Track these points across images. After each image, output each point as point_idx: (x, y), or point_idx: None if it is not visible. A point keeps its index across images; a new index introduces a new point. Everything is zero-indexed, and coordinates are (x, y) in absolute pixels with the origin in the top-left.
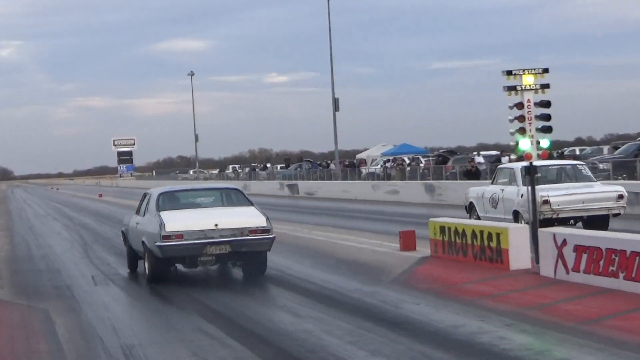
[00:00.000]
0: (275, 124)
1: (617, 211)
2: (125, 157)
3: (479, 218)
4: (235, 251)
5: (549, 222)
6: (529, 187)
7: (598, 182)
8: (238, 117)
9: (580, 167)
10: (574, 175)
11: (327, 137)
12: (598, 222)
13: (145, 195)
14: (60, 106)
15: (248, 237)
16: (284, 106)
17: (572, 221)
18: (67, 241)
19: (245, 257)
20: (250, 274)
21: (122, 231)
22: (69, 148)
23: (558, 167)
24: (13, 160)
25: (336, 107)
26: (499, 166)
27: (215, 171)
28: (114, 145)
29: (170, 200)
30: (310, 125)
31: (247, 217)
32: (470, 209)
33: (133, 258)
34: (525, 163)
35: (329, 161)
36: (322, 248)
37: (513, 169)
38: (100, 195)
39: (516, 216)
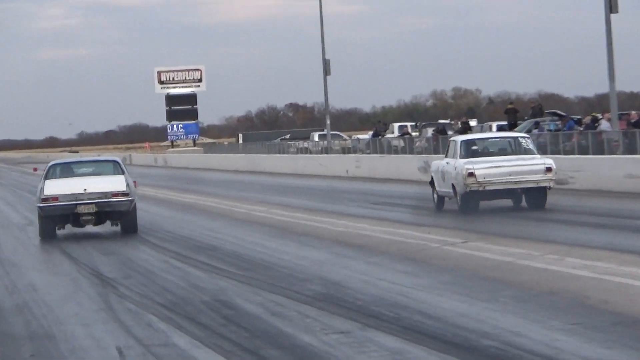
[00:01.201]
0: None
1: (545, 184)
2: (181, 109)
3: (437, 193)
4: (101, 210)
5: (478, 196)
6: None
7: (537, 156)
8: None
9: (521, 139)
10: (514, 148)
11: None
12: (535, 197)
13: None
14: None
15: (111, 200)
16: None
17: (507, 196)
18: (67, 277)
19: (116, 217)
20: (125, 232)
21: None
22: (65, 91)
23: (498, 139)
24: None
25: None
26: (450, 139)
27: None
28: (160, 82)
29: (57, 170)
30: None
31: (112, 184)
32: (432, 184)
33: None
34: (464, 137)
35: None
36: None
37: (455, 141)
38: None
39: (455, 190)
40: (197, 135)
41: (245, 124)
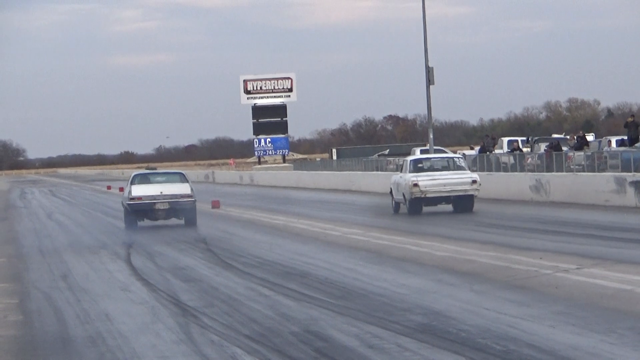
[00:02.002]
0: None
1: (472, 193)
2: (269, 121)
3: (395, 201)
4: (172, 207)
5: (421, 201)
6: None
7: (467, 172)
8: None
9: (456, 159)
10: (450, 166)
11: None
12: (464, 203)
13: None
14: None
15: (179, 200)
16: None
17: (444, 202)
18: (144, 306)
19: (180, 213)
20: (188, 224)
21: (121, 202)
22: (141, 101)
23: (438, 158)
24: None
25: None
26: (403, 158)
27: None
28: (246, 92)
29: (140, 179)
30: None
31: (180, 189)
32: (391, 193)
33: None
34: (413, 156)
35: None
36: None
37: (406, 160)
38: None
39: (404, 197)
40: (286, 150)
41: (340, 138)
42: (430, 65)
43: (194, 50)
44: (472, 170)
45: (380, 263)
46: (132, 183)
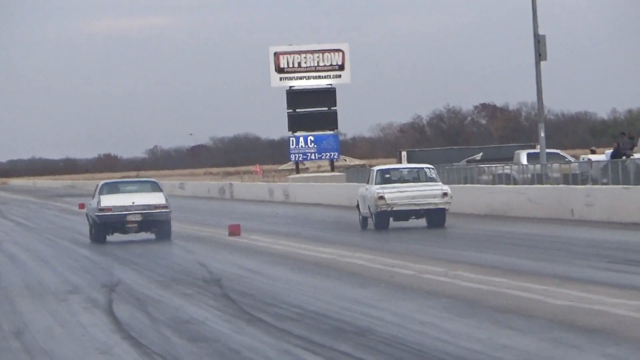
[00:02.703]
0: None
1: (442, 206)
2: (312, 112)
3: (361, 215)
4: (145, 219)
5: (388, 215)
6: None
7: (439, 183)
8: None
9: (427, 169)
10: (420, 177)
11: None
12: (435, 218)
13: (96, 185)
14: None
15: (153, 211)
16: None
17: (413, 216)
18: None
19: (155, 226)
20: (161, 238)
21: (86, 213)
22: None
23: (407, 169)
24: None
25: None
26: (371, 168)
27: None
28: (279, 69)
29: (109, 188)
30: None
31: (154, 198)
32: (357, 207)
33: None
34: (380, 167)
35: None
36: None
37: (372, 170)
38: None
39: (370, 210)
40: (336, 153)
41: (412, 137)
42: (540, 32)
43: (204, 10)
44: (602, 183)
45: (471, 315)
46: (100, 193)
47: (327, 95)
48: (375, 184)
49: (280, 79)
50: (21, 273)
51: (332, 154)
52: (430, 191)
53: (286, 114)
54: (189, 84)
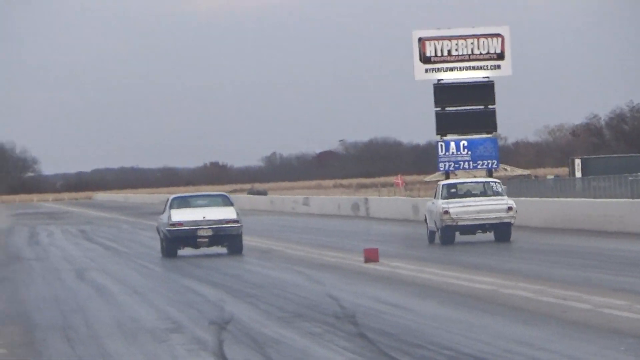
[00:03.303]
0: None
1: (507, 220)
2: (465, 111)
3: (429, 229)
4: (216, 234)
5: (453, 229)
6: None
7: (504, 197)
8: None
9: (492, 184)
10: (486, 191)
11: None
12: (501, 232)
13: (167, 200)
14: None
15: (224, 225)
16: None
17: (479, 231)
18: None
19: (226, 240)
20: (232, 253)
21: (156, 227)
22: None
23: (473, 183)
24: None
25: None
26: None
27: None
28: (424, 59)
29: (180, 202)
30: None
31: (225, 213)
32: (425, 222)
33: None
34: (446, 181)
35: None
36: None
37: (439, 184)
38: None
39: (436, 225)
40: (495, 161)
41: (587, 142)
42: None
43: None
44: None
45: None
46: (171, 207)
47: (484, 91)
48: (441, 199)
49: (426, 70)
50: (111, 308)
51: (490, 162)
52: (495, 205)
53: (433, 114)
54: (311, 78)
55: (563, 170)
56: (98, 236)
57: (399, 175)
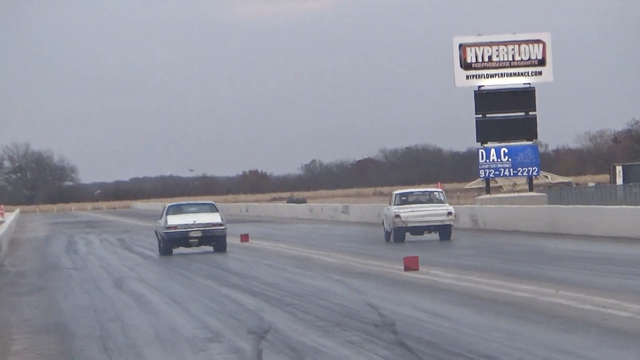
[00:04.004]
0: None
1: (448, 222)
2: (506, 117)
3: (385, 230)
4: (204, 235)
5: (404, 230)
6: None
7: (446, 204)
8: None
9: (436, 193)
10: (431, 199)
11: None
12: (443, 232)
13: (164, 207)
14: None
15: (211, 228)
16: None
17: (426, 231)
18: None
19: (213, 240)
20: (217, 251)
21: (155, 230)
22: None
23: (420, 192)
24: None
25: None
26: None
27: None
28: (465, 65)
29: (174, 209)
30: None
31: (211, 218)
32: (383, 224)
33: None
34: (399, 190)
35: None
36: None
37: (392, 194)
38: None
39: (390, 227)
40: (536, 168)
41: (629, 147)
42: None
43: None
44: None
45: None
46: (167, 213)
47: (525, 97)
48: (394, 205)
49: (467, 77)
50: (149, 317)
51: (531, 169)
52: (437, 210)
53: (474, 121)
54: (353, 83)
55: (604, 177)
56: (136, 245)
57: (438, 183)
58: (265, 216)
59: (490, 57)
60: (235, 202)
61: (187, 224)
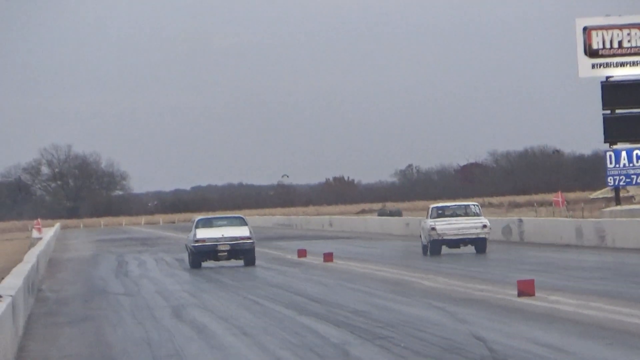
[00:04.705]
0: None
1: (483, 236)
2: (631, 116)
3: (422, 243)
4: (233, 249)
5: (440, 243)
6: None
7: (481, 217)
8: None
9: (472, 206)
10: (467, 212)
11: None
12: (478, 245)
13: (193, 221)
14: None
15: (239, 242)
16: None
17: (462, 244)
18: None
19: (241, 254)
20: (247, 265)
21: (185, 245)
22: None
23: (456, 206)
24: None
25: None
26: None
27: None
28: (590, 52)
29: (204, 223)
30: None
31: (240, 231)
32: (420, 237)
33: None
34: (436, 203)
35: None
36: None
37: (429, 207)
38: None
39: (427, 239)
40: None
41: None
42: None
43: None
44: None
45: None
46: (196, 227)
47: None
48: (430, 218)
49: (593, 66)
50: (214, 352)
51: None
52: (472, 223)
53: (601, 118)
54: (456, 75)
55: None
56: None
57: (559, 192)
58: (352, 231)
59: (620, 43)
60: (317, 214)
61: (215, 238)
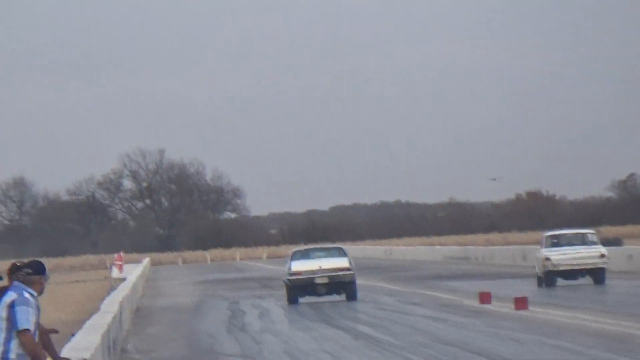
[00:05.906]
0: None
1: (601, 265)
2: None
3: (537, 274)
4: (332, 282)
5: (555, 275)
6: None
7: (598, 246)
8: None
9: (589, 234)
10: (583, 240)
11: None
12: (597, 276)
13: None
14: None
15: (338, 273)
16: None
17: (579, 276)
18: None
19: (341, 287)
20: (349, 299)
21: (282, 279)
22: None
23: (572, 234)
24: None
25: None
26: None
27: None
28: None
29: (300, 254)
30: None
31: (339, 263)
32: (535, 268)
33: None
34: (551, 232)
35: None
36: None
37: (544, 236)
38: None
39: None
40: None
41: None
42: None
43: None
44: None
45: None
46: (292, 259)
47: None
48: (544, 247)
49: None
50: None
51: None
52: (589, 252)
53: None
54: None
55: None
56: (342, 315)
57: None
58: None
59: None
60: (505, 243)
61: (312, 270)
